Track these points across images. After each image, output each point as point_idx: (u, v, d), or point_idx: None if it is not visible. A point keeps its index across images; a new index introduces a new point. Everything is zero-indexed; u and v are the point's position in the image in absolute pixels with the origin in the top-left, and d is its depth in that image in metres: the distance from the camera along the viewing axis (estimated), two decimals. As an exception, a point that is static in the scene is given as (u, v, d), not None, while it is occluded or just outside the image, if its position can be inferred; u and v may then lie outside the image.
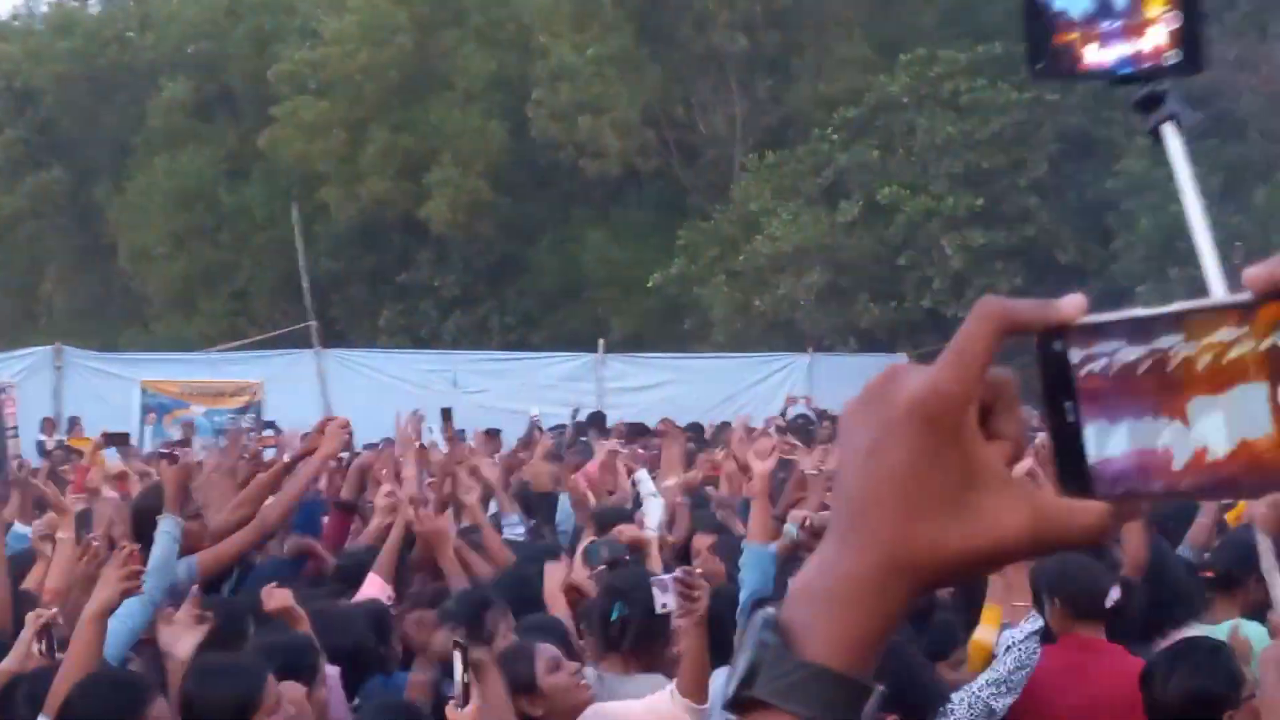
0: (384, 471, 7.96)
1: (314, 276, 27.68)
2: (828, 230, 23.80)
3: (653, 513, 7.76)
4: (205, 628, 4.58)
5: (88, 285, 35.70)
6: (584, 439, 14.86)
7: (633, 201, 29.45)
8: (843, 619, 0.92)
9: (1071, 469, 0.92)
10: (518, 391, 20.21)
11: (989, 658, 4.56)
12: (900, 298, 23.97)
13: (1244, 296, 0.85)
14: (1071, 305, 0.92)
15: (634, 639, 5.03)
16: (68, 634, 4.44)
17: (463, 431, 13.26)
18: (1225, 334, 0.86)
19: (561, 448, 13.63)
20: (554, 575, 5.97)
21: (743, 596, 5.30)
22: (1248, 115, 21.16)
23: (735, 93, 27.85)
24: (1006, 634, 4.51)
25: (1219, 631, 5.00)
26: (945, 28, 26.14)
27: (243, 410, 21.24)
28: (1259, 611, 5.12)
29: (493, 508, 8.50)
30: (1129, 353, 0.90)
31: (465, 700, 3.99)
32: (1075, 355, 0.91)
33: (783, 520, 6.40)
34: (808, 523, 5.87)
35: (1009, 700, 4.37)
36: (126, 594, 4.42)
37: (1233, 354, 0.85)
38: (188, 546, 5.76)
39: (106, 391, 20.29)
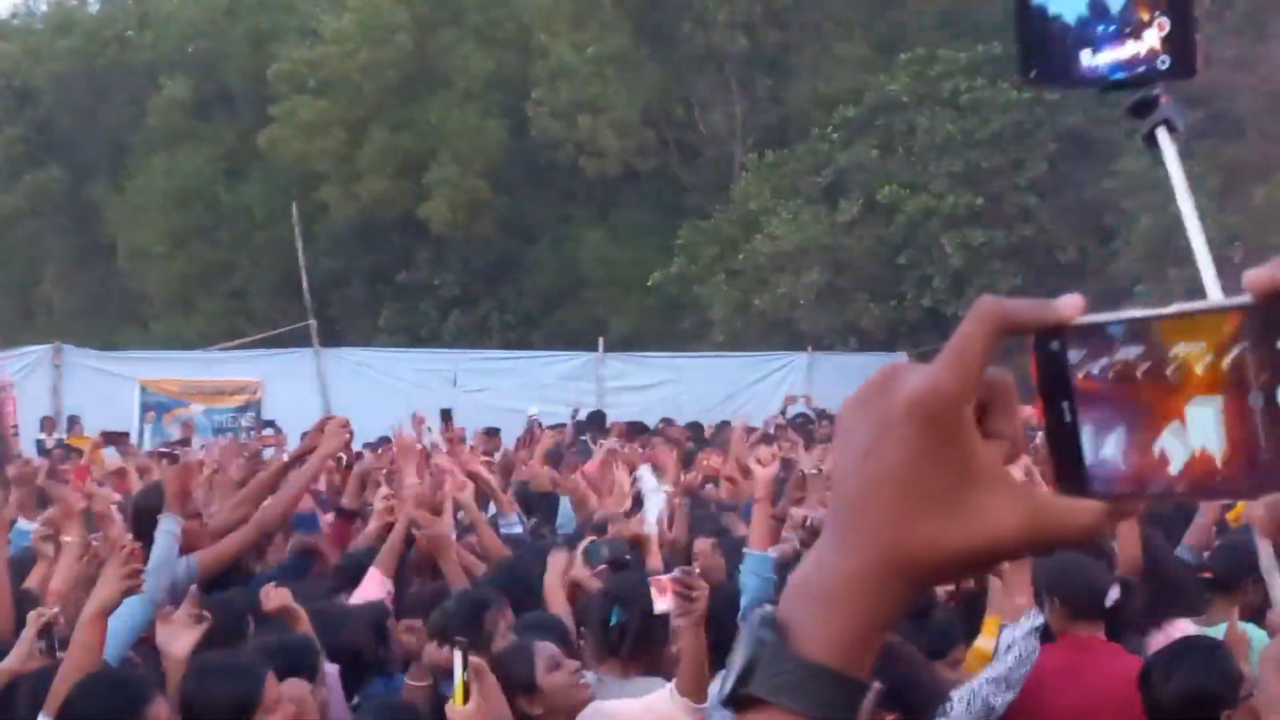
0: (383, 474, 7.98)
1: (313, 276, 27.65)
2: (827, 229, 23.80)
3: (653, 508, 7.77)
4: (202, 627, 4.58)
5: (87, 284, 35.70)
6: (583, 438, 14.87)
7: (632, 201, 29.44)
8: (840, 617, 0.93)
9: (1068, 468, 0.93)
10: (517, 390, 20.20)
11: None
12: (900, 297, 23.97)
13: (1243, 299, 0.85)
14: (1069, 305, 0.92)
15: (633, 643, 5.03)
16: (69, 634, 4.44)
17: (462, 432, 13.26)
18: (1223, 337, 0.86)
19: (562, 447, 13.64)
20: (557, 565, 5.96)
21: (744, 602, 5.30)
22: (1246, 115, 21.14)
23: (735, 92, 27.85)
24: (1006, 633, 4.52)
25: (1216, 634, 5.00)
26: (945, 27, 26.14)
27: (242, 409, 21.25)
28: (1257, 614, 5.12)
29: (491, 509, 8.50)
30: (1127, 353, 0.90)
31: (465, 698, 4.00)
32: (1073, 355, 0.92)
33: (782, 521, 6.41)
34: (808, 522, 5.87)
35: (1009, 697, 4.37)
36: (127, 592, 4.42)
37: (1230, 357, 0.86)
38: (187, 545, 5.76)
39: (106, 390, 20.27)
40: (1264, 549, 4.31)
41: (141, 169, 32.48)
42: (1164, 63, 1.24)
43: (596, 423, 17.17)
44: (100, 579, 4.46)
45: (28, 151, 34.53)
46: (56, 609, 4.85)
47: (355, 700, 5.10)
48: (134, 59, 34.45)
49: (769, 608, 0.95)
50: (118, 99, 33.87)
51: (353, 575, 6.27)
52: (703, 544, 6.38)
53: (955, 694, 4.36)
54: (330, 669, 4.80)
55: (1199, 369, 0.87)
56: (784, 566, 5.59)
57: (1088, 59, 1.28)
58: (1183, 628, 5.23)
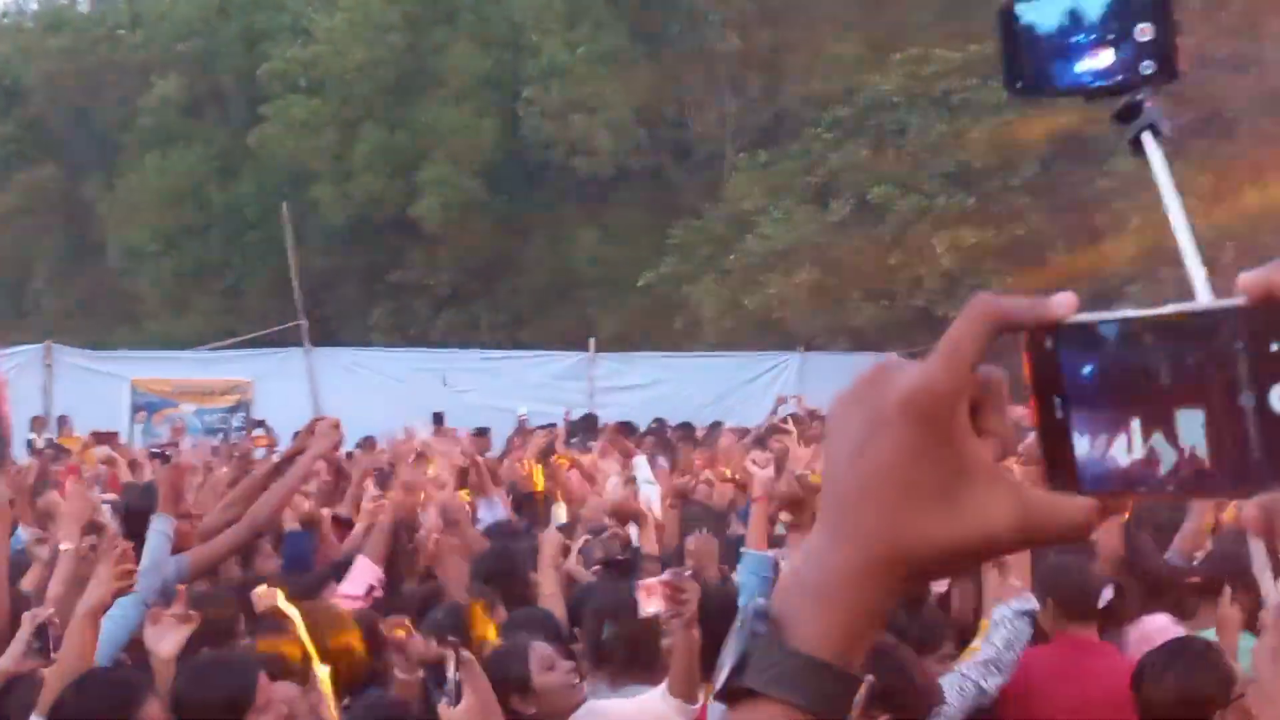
0: (369, 480, 8.02)
1: (305, 275, 27.60)
2: (819, 229, 23.79)
3: (646, 499, 7.78)
4: (190, 627, 4.58)
5: (78, 283, 35.61)
6: (574, 440, 14.87)
7: (624, 200, 29.43)
8: (833, 611, 0.93)
9: (1060, 466, 0.93)
10: (509, 390, 20.18)
11: None
12: (891, 297, 23.96)
13: (1236, 300, 0.86)
14: (1063, 303, 0.92)
15: (626, 655, 5.02)
16: (63, 634, 4.44)
17: (454, 433, 13.26)
18: (1216, 338, 0.86)
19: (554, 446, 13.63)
20: (550, 545, 5.96)
21: (742, 602, 5.30)
22: (1238, 116, 21.17)
23: (727, 91, 27.85)
24: (999, 610, 4.53)
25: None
26: (937, 27, 26.14)
27: (233, 409, 21.23)
28: (1247, 620, 5.10)
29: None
30: (1119, 353, 0.90)
31: (457, 699, 4.00)
32: (1066, 354, 0.92)
33: (774, 522, 6.40)
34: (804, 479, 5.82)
35: (999, 681, 4.39)
36: (120, 592, 4.42)
37: (1222, 357, 0.86)
38: (177, 547, 5.76)
39: (97, 390, 20.23)
40: (1256, 549, 4.32)
41: (133, 167, 32.41)
42: (1147, 67, 1.25)
43: (588, 425, 17.16)
44: (92, 579, 4.46)
45: (19, 150, 34.45)
46: (51, 610, 4.84)
47: (346, 700, 5.09)
48: (125, 57, 34.36)
49: (762, 601, 0.96)
50: (109, 97, 33.80)
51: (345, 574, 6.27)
52: (695, 537, 6.39)
53: (945, 681, 4.37)
54: (320, 671, 4.79)
55: (1191, 369, 0.87)
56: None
57: (1069, 68, 1.28)
58: (1160, 624, 5.24)
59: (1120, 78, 1.27)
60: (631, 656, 5.00)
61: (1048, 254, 23.47)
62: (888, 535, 0.92)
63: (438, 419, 12.11)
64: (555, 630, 5.12)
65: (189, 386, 21.47)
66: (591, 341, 22.70)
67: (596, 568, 6.09)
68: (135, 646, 5.02)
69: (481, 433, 15.35)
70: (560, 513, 8.81)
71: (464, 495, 8.30)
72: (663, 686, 4.50)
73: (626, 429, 15.30)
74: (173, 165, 31.79)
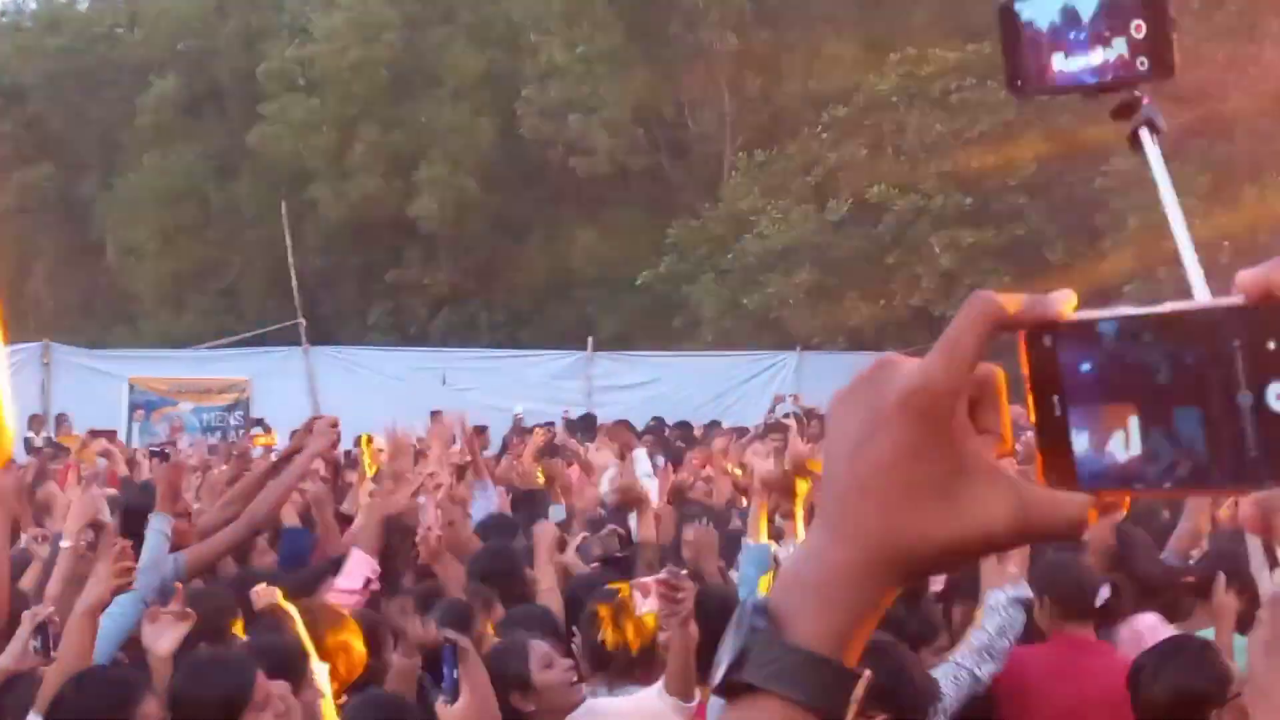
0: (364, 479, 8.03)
1: (303, 274, 27.58)
2: (817, 229, 23.78)
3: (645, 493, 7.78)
4: (187, 625, 4.58)
5: (76, 282, 35.59)
6: (573, 440, 14.86)
7: (622, 199, 29.42)
8: (831, 606, 0.94)
9: (1058, 463, 0.93)
10: (506, 389, 20.18)
11: None
12: (889, 296, 23.95)
13: (1234, 299, 0.86)
14: (1062, 301, 0.93)
15: (624, 658, 5.02)
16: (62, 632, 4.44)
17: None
18: (1213, 336, 0.87)
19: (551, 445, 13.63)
20: (545, 537, 5.95)
21: (742, 594, 5.31)
22: (1236, 115, 21.16)
23: (725, 91, 27.84)
24: (993, 596, 4.53)
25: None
26: (935, 27, 26.13)
27: (231, 407, 21.22)
28: (1241, 621, 5.11)
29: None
30: (1117, 351, 0.91)
31: (455, 697, 4.00)
32: (1064, 351, 0.92)
33: (771, 520, 6.40)
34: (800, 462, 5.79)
35: (993, 668, 4.40)
36: (118, 590, 4.42)
37: (1220, 356, 0.86)
38: (175, 545, 5.76)
39: (95, 388, 20.23)
40: (1253, 546, 4.32)
41: (131, 167, 32.39)
42: (1143, 64, 1.25)
43: (586, 425, 17.16)
44: (91, 577, 4.46)
45: (17, 149, 34.41)
46: (51, 608, 4.84)
47: (343, 699, 5.09)
48: (124, 57, 34.35)
49: (761, 596, 0.96)
50: (107, 96, 33.77)
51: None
52: (694, 528, 6.38)
53: (940, 671, 4.37)
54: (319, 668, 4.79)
55: (1189, 367, 0.88)
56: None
57: (1066, 66, 1.29)
58: (1150, 623, 5.24)
59: (1116, 75, 1.27)
60: (631, 657, 5.00)
61: (1046, 254, 23.47)
62: (887, 533, 0.92)
63: (435, 417, 12.08)
64: (553, 627, 5.12)
65: (187, 385, 21.46)
66: (590, 341, 22.70)
67: (595, 564, 6.09)
68: (133, 644, 5.02)
69: (479, 431, 15.33)
70: (558, 513, 8.81)
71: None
72: (659, 684, 4.50)
73: (625, 428, 15.33)
74: (171, 164, 31.78)
